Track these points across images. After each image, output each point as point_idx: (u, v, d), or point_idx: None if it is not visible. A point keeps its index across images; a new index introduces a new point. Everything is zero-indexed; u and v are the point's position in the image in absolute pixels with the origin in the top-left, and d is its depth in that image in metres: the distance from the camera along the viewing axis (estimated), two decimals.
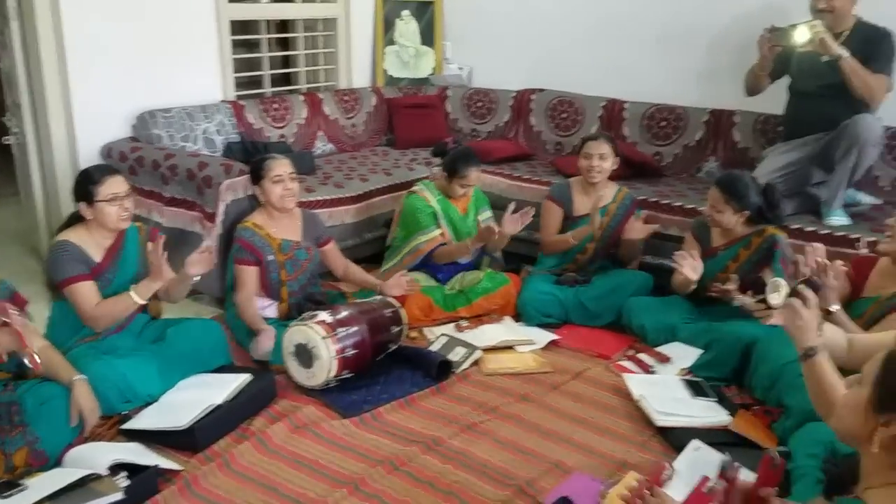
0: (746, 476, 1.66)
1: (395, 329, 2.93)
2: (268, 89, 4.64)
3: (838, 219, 3.28)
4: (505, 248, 3.56)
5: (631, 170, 3.93)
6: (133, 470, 2.11)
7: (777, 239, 2.96)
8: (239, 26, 4.40)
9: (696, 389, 2.69)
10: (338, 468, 2.29)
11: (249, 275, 3.03)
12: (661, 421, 2.50)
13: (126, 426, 2.42)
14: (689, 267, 2.94)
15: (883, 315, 2.43)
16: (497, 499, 2.15)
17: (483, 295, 3.37)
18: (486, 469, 2.29)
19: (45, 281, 2.65)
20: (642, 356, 3.02)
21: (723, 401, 2.63)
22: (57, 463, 2.19)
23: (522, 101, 4.78)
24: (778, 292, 1.96)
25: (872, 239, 2.86)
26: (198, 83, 4.15)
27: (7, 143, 4.03)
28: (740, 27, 3.91)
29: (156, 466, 2.18)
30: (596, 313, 3.32)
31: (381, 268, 3.55)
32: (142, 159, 3.60)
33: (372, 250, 3.93)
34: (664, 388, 2.70)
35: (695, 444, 2.31)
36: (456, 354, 2.98)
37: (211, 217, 3.31)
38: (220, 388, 2.55)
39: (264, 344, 2.85)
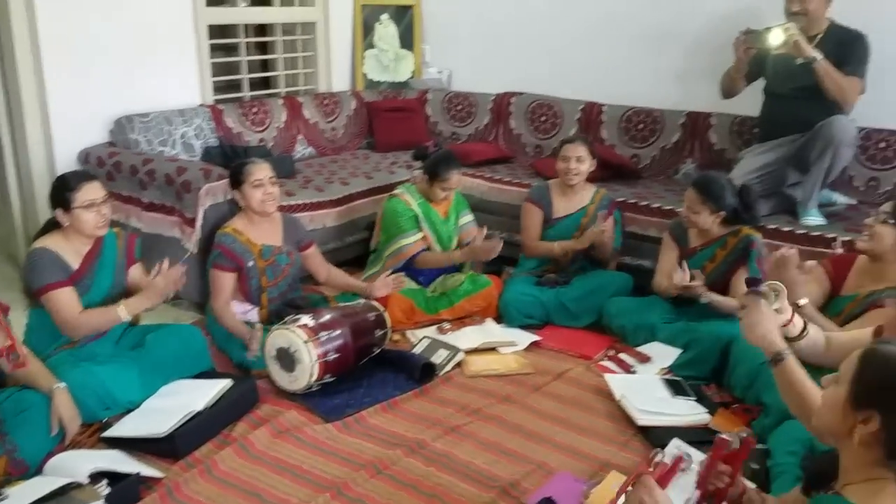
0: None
1: (379, 332, 2.93)
2: (247, 93, 4.62)
3: (814, 219, 3.33)
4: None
5: (609, 172, 3.96)
6: (114, 478, 2.10)
7: (753, 239, 3.00)
8: (217, 30, 4.38)
9: (676, 388, 2.71)
10: (321, 473, 2.29)
11: (225, 281, 3.01)
12: (642, 420, 2.52)
13: (106, 434, 2.40)
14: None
15: (861, 312, 2.47)
16: (481, 501, 2.16)
17: (465, 297, 3.39)
18: (469, 471, 2.30)
19: (22, 288, 2.62)
20: (623, 356, 3.04)
21: (702, 399, 2.66)
22: (37, 471, 2.17)
23: (502, 105, 4.80)
24: (778, 295, 1.97)
25: (848, 238, 2.90)
26: (176, 87, 4.13)
27: None
28: (716, 30, 3.94)
29: (137, 474, 2.16)
30: (577, 314, 3.34)
31: (364, 272, 3.55)
32: (119, 164, 3.57)
33: (354, 253, 3.93)
34: (645, 388, 2.72)
35: (675, 443, 2.33)
36: (439, 357, 2.98)
37: (190, 222, 3.29)
38: (201, 394, 2.53)
39: (255, 348, 2.84)
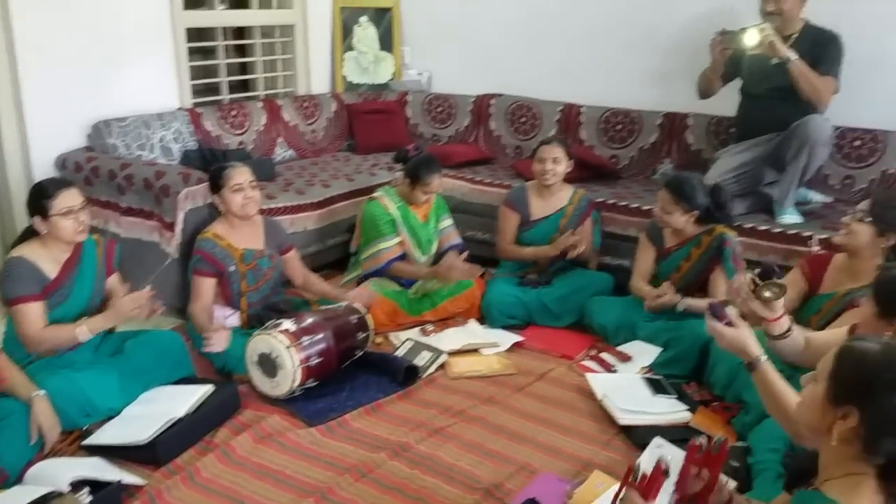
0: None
1: (361, 335, 2.93)
2: (225, 96, 4.60)
3: (790, 217, 3.37)
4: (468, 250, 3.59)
5: (588, 172, 3.99)
6: (96, 486, 2.08)
7: (726, 237, 3.03)
8: (195, 33, 4.35)
9: (657, 387, 2.74)
10: (304, 477, 2.29)
11: (205, 286, 2.99)
12: (624, 420, 2.54)
13: (87, 441, 2.38)
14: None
15: (839, 311, 2.49)
16: (465, 503, 2.16)
17: (447, 298, 3.39)
18: (453, 473, 2.30)
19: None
20: (605, 355, 3.06)
21: (683, 398, 2.69)
22: (17, 480, 2.15)
23: (482, 106, 4.81)
24: (772, 292, 1.99)
25: (824, 236, 2.94)
26: (154, 91, 4.08)
27: None
28: (693, 31, 3.97)
29: (119, 482, 2.15)
30: (558, 314, 3.37)
31: (344, 276, 3.55)
32: (97, 169, 3.54)
33: (335, 256, 3.92)
34: (626, 387, 2.74)
35: (657, 442, 2.35)
36: (422, 359, 2.98)
37: (170, 226, 3.27)
38: (182, 400, 2.51)
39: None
